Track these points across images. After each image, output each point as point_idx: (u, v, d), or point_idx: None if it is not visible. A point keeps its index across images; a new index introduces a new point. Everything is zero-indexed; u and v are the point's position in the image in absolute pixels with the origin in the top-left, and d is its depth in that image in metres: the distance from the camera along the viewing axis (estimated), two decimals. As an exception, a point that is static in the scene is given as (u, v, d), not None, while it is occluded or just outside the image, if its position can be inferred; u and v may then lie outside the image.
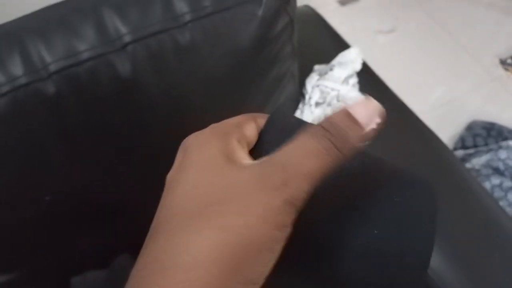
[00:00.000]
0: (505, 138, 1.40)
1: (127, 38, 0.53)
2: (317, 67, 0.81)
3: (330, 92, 0.76)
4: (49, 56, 0.51)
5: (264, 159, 0.22)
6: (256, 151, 0.26)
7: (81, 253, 0.66)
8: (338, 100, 0.76)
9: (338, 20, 1.17)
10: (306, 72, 0.79)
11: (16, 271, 0.63)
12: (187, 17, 0.55)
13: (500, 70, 1.58)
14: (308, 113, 0.76)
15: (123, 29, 0.53)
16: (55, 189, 0.58)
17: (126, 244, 0.71)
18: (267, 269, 0.20)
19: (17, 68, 0.50)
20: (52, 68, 0.51)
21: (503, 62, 1.60)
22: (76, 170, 0.58)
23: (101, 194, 0.62)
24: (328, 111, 0.75)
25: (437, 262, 0.62)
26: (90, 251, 0.66)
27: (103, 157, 0.59)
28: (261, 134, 0.27)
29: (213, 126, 0.25)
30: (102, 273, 0.66)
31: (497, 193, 1.27)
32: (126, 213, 0.68)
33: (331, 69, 0.78)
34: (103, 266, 0.66)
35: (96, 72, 0.52)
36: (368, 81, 0.81)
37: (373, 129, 0.21)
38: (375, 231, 0.23)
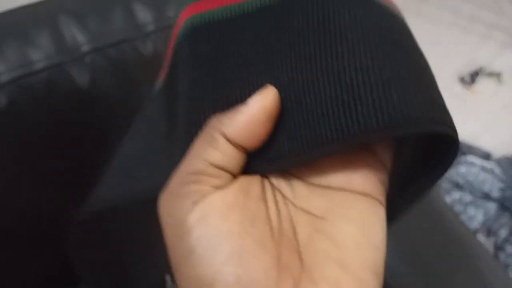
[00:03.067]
0: (464, 153, 1.44)
1: (85, 48, 0.51)
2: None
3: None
4: (1, 66, 0.48)
5: None
6: None
7: (39, 273, 0.62)
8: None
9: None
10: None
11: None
12: (150, 27, 0.53)
13: (458, 88, 1.63)
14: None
15: (81, 38, 0.51)
16: (10, 207, 0.54)
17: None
18: None
19: (-35, 77, 0.47)
20: (4, 78, 0.48)
21: (461, 80, 1.64)
22: (32, 186, 0.55)
23: (59, 211, 0.59)
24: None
25: (395, 264, 0.63)
26: (48, 271, 0.63)
27: (61, 172, 0.56)
28: None
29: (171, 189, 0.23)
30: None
31: (457, 207, 1.30)
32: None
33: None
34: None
35: (52, 83, 0.50)
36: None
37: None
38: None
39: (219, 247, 0.20)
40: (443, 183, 1.35)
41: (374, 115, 0.21)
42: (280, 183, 0.25)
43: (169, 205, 0.22)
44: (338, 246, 0.22)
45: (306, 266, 0.21)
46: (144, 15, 0.53)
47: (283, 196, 0.24)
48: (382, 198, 0.24)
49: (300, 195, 0.24)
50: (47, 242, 0.61)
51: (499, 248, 1.26)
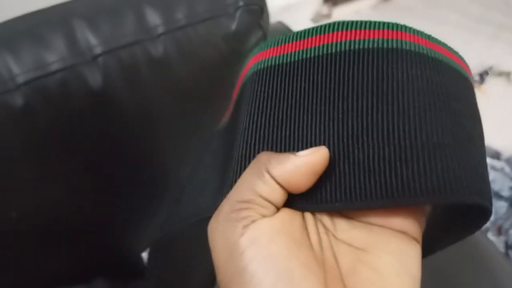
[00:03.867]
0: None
1: (98, 50, 0.52)
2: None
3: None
4: (17, 67, 0.50)
5: None
6: None
7: (49, 271, 0.63)
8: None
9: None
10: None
11: (-21, 292, 0.60)
12: (160, 29, 0.55)
13: (467, 87, 1.63)
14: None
15: (93, 40, 0.52)
16: (22, 206, 0.56)
17: (97, 265, 0.69)
18: None
19: (-17, 79, 0.49)
20: (20, 79, 0.50)
21: (470, 80, 1.64)
22: (44, 186, 0.56)
23: (72, 211, 0.60)
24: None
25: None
26: (58, 269, 0.64)
27: (73, 173, 0.57)
28: None
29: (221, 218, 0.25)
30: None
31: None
32: (99, 233, 0.66)
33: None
34: (73, 284, 0.64)
35: (66, 84, 0.51)
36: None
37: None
38: None
39: (270, 267, 0.22)
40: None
41: (418, 181, 0.23)
42: (322, 215, 0.27)
43: (221, 228, 0.24)
44: (380, 274, 0.24)
45: None
46: (154, 18, 0.54)
47: (325, 227, 0.26)
48: (418, 236, 0.26)
49: (341, 228, 0.26)
50: (61, 240, 0.62)
51: (510, 247, 1.26)
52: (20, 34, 0.51)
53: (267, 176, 0.24)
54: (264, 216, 0.24)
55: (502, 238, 1.29)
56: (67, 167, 0.56)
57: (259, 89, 0.29)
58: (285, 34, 0.30)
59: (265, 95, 0.29)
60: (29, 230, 0.58)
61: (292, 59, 0.29)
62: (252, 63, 0.32)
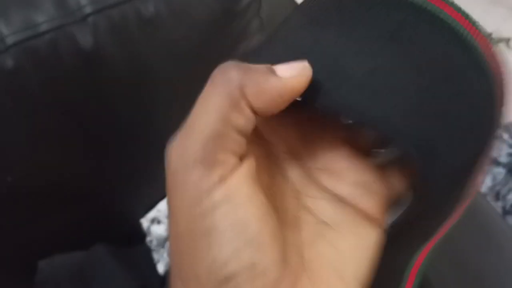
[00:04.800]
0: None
1: (87, 9, 0.51)
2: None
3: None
4: (6, 29, 0.49)
5: None
6: None
7: (47, 236, 0.64)
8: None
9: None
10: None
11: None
12: (151, -12, 0.54)
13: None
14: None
15: (83, 0, 0.51)
16: (17, 170, 0.56)
17: (98, 229, 0.70)
18: None
19: (-29, 41, 0.48)
20: (10, 40, 0.49)
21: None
22: (39, 149, 0.56)
23: (67, 174, 0.60)
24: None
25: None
26: (56, 234, 0.64)
27: (67, 134, 0.57)
28: None
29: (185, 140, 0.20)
30: (70, 256, 0.64)
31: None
32: (97, 196, 0.66)
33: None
34: (72, 249, 0.64)
35: (56, 45, 0.50)
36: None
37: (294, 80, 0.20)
38: None
39: (243, 230, 0.19)
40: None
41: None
42: (293, 174, 0.24)
43: (190, 171, 0.19)
44: (339, 253, 0.23)
45: (306, 265, 0.22)
46: (144, -24, 0.53)
47: (294, 189, 0.24)
48: (382, 222, 0.24)
49: (312, 195, 0.24)
50: (58, 204, 0.62)
51: (507, 212, 1.27)
52: (7, -5, 0.50)
53: (242, 103, 0.19)
54: (240, 158, 0.20)
55: (500, 204, 1.30)
56: (59, 128, 0.56)
57: None
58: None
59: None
60: (26, 194, 0.58)
61: None
62: None
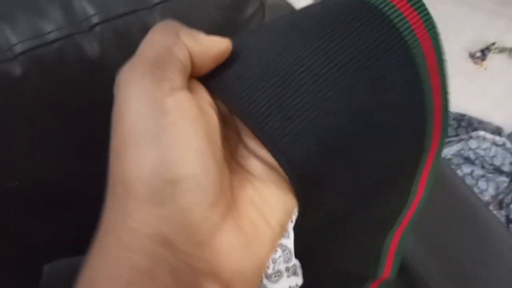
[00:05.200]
0: (475, 129, 1.44)
1: (94, 19, 0.53)
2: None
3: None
4: (15, 37, 0.50)
5: None
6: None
7: (52, 240, 0.64)
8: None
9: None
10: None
11: (-16, 261, 0.61)
12: (156, -1, 0.55)
13: (469, 64, 1.62)
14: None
15: (90, 10, 0.53)
16: (22, 175, 0.57)
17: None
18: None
19: (-19, 49, 0.49)
20: (18, 49, 0.50)
21: (472, 56, 1.63)
22: (44, 156, 0.57)
23: (71, 180, 0.61)
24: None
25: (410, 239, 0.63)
26: (61, 238, 0.65)
27: (71, 141, 0.58)
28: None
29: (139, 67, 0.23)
30: (75, 260, 0.65)
31: (469, 181, 1.30)
32: (99, 202, 0.67)
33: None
34: (76, 253, 0.65)
35: (64, 53, 0.52)
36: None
37: None
38: None
39: (192, 139, 0.21)
40: (454, 157, 1.36)
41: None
42: (236, 139, 0.27)
43: (142, 82, 0.22)
44: (263, 199, 0.25)
45: (236, 204, 0.24)
46: (149, -14, 0.55)
47: (236, 136, 0.27)
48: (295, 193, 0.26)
49: (245, 154, 0.26)
50: (62, 209, 0.63)
51: (510, 221, 1.27)
52: (17, 4, 0.52)
53: (181, 41, 0.23)
54: (180, 76, 0.23)
55: (503, 212, 1.30)
56: (63, 135, 0.57)
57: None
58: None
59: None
60: (32, 199, 0.59)
61: None
62: None
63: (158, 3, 0.55)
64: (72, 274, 0.69)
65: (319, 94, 0.24)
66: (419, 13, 0.26)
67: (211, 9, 0.59)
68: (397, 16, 0.26)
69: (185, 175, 0.20)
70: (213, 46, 0.24)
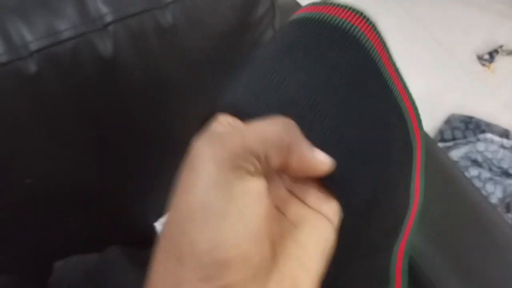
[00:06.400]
0: (483, 131, 1.43)
1: (108, 18, 0.53)
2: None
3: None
4: (30, 35, 0.51)
5: None
6: None
7: (64, 238, 0.65)
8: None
9: (319, 14, 1.19)
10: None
11: (-4, 257, 0.62)
12: (169, -2, 0.55)
13: (477, 66, 1.62)
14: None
15: (104, 9, 0.53)
16: (37, 172, 0.57)
17: (112, 231, 0.71)
18: None
19: (-4, 47, 0.50)
20: (33, 46, 0.51)
21: (480, 58, 1.63)
22: (58, 153, 0.58)
23: (84, 178, 0.62)
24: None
25: (417, 240, 0.64)
26: (72, 236, 0.66)
27: (85, 139, 0.58)
28: None
29: (222, 139, 0.24)
30: (86, 258, 0.65)
31: (476, 184, 1.30)
32: (111, 200, 0.68)
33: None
34: (87, 252, 0.66)
35: (78, 52, 0.52)
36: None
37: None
38: None
39: (249, 223, 0.23)
40: (462, 160, 1.35)
41: None
42: (273, 182, 0.28)
43: (221, 164, 0.22)
44: (301, 247, 0.26)
45: (276, 261, 0.25)
46: (162, -14, 0.55)
47: (278, 198, 0.28)
48: (335, 221, 0.28)
49: (285, 199, 0.28)
50: (73, 207, 0.64)
51: (518, 224, 1.26)
52: (32, 2, 0.52)
53: (285, 151, 0.24)
54: (254, 166, 0.24)
55: (510, 216, 1.29)
56: (77, 133, 0.57)
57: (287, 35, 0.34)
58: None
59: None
60: (43, 197, 0.59)
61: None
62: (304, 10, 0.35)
63: (171, 3, 0.56)
64: (81, 271, 0.70)
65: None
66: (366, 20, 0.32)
67: (223, 9, 0.59)
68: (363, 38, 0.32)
69: (238, 260, 0.22)
70: (313, 169, 0.26)
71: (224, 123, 0.29)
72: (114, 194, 0.66)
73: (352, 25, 0.31)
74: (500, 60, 1.63)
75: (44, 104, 0.53)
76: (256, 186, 0.23)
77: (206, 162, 0.22)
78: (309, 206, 0.28)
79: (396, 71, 0.33)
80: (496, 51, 1.64)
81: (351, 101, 0.29)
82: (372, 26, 0.32)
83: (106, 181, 0.64)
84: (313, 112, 0.28)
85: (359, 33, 0.31)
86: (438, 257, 0.66)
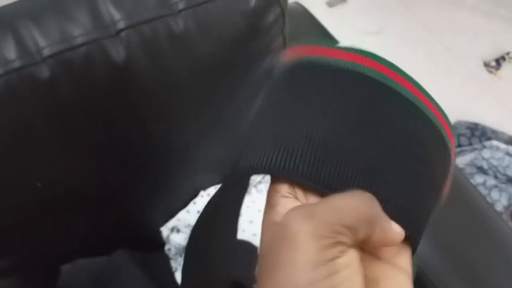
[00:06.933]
0: (489, 138, 1.43)
1: (121, 24, 0.54)
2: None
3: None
4: (43, 40, 0.51)
5: None
6: None
7: (71, 241, 0.65)
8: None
9: (326, 21, 1.19)
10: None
11: (5, 259, 0.62)
12: (181, 5, 0.56)
13: (484, 72, 1.62)
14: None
15: (117, 15, 0.53)
16: (47, 176, 0.58)
17: (119, 235, 0.71)
18: None
19: (10, 52, 0.50)
20: (46, 52, 0.51)
21: (487, 65, 1.63)
22: (69, 157, 0.58)
23: (94, 182, 0.62)
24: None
25: (423, 249, 0.64)
26: (80, 239, 0.66)
27: (96, 144, 0.59)
28: None
29: (320, 221, 0.25)
30: (92, 261, 0.66)
31: (481, 191, 1.30)
32: (119, 204, 0.68)
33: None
34: (94, 255, 0.66)
35: (90, 57, 0.53)
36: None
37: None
38: None
39: None
40: (467, 167, 1.35)
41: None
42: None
43: (314, 240, 0.23)
44: None
45: None
46: (175, -7, 0.55)
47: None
48: (410, 270, 0.29)
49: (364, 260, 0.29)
50: (83, 210, 0.64)
51: (523, 232, 1.26)
52: (46, 8, 0.53)
53: (373, 224, 0.26)
54: (350, 239, 0.25)
55: (516, 223, 1.29)
56: (89, 138, 0.58)
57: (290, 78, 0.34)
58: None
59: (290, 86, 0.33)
60: (52, 200, 0.60)
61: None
62: (298, 52, 0.34)
63: (183, 9, 0.56)
64: (88, 274, 0.70)
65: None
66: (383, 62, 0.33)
67: (234, 16, 0.59)
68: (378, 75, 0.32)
69: None
70: (391, 240, 0.27)
71: (287, 195, 0.28)
72: (122, 199, 0.66)
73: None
74: (507, 67, 1.63)
75: (56, 109, 0.54)
76: (353, 258, 0.25)
77: (307, 239, 0.23)
78: (385, 262, 0.28)
79: (416, 84, 0.34)
80: (503, 58, 1.64)
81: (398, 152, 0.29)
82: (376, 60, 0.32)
83: (115, 185, 0.65)
84: (375, 173, 0.28)
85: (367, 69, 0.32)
86: (445, 265, 0.66)
